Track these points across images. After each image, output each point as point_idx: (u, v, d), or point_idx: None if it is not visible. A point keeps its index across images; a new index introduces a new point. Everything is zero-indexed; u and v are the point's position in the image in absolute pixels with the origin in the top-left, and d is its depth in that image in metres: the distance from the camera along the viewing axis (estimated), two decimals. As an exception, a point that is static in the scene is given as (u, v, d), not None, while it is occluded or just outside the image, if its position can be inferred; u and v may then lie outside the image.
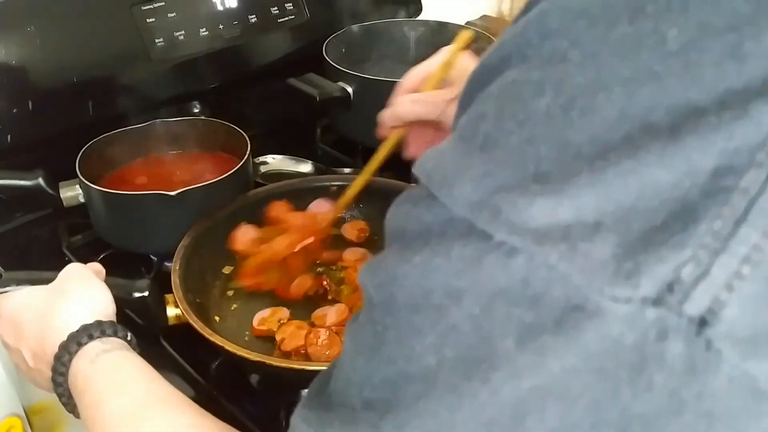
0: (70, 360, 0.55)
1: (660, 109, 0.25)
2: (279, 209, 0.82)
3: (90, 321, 0.57)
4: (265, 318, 0.74)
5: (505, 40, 0.29)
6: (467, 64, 0.71)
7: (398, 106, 0.72)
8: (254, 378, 0.73)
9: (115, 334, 0.57)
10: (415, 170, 0.31)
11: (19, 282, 0.64)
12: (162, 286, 0.70)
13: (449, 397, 0.28)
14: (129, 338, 0.58)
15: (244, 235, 0.79)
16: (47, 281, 0.64)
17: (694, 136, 0.24)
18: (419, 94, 0.72)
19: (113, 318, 0.60)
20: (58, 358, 0.56)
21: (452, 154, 0.30)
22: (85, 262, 0.86)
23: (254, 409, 0.69)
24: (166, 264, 0.84)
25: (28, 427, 1.28)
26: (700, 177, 0.24)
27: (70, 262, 0.87)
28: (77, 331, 0.56)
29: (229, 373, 0.73)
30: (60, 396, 0.57)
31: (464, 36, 0.72)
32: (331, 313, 0.74)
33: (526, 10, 0.29)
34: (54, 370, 0.56)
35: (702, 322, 0.24)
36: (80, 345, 0.55)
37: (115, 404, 0.51)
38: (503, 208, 0.27)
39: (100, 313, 0.59)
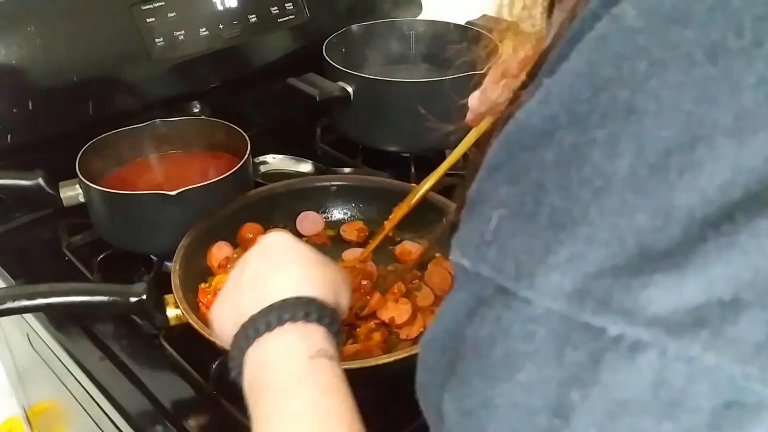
0: (260, 331, 0.44)
1: None
2: (251, 230, 0.83)
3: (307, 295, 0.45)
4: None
5: (547, 96, 0.25)
6: None
7: (488, 89, 0.60)
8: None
9: (319, 320, 0.45)
10: (470, 264, 0.26)
11: (15, 298, 0.64)
12: (162, 286, 0.70)
13: None
14: (336, 329, 0.46)
15: (219, 251, 0.80)
16: (42, 295, 0.63)
17: None
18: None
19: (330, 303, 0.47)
20: (247, 326, 0.45)
21: (515, 237, 0.25)
22: (85, 262, 0.88)
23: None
24: (166, 264, 0.84)
25: (28, 427, 1.28)
26: None
27: (70, 262, 0.88)
28: (280, 303, 0.44)
29: (229, 373, 0.72)
30: (231, 359, 0.46)
31: None
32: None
33: (561, 56, 0.26)
34: (242, 339, 0.45)
35: None
36: (282, 321, 0.44)
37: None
38: (613, 295, 0.23)
39: (321, 290, 0.47)
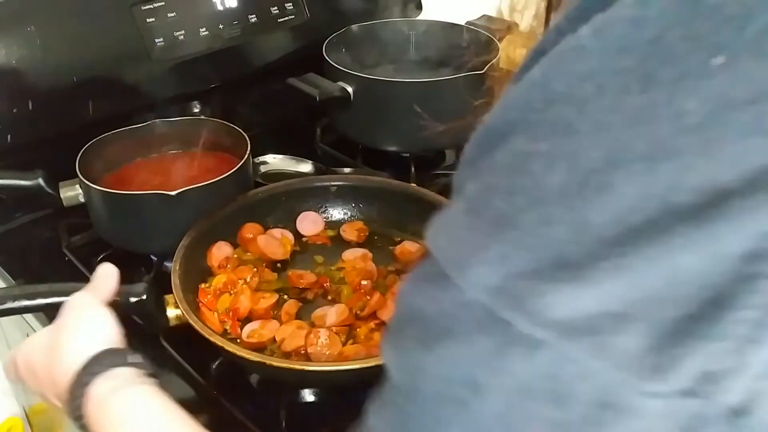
0: (81, 404, 0.51)
1: (683, 189, 0.23)
2: (251, 230, 0.83)
3: (93, 353, 0.53)
4: (254, 330, 0.73)
5: (508, 101, 0.27)
6: None
7: None
8: (254, 378, 0.73)
9: (124, 362, 0.53)
10: (428, 244, 0.29)
11: (16, 298, 0.64)
12: (162, 286, 0.70)
13: None
14: (138, 361, 0.54)
15: (219, 251, 0.80)
16: (42, 295, 0.63)
17: (722, 219, 0.22)
18: None
19: (119, 343, 0.56)
20: (69, 403, 0.52)
21: (463, 229, 0.28)
22: (85, 262, 0.87)
23: (254, 410, 0.69)
24: (166, 264, 0.84)
25: (28, 427, 1.28)
26: (730, 263, 0.22)
27: (70, 262, 0.88)
28: (80, 371, 0.52)
29: (229, 374, 0.73)
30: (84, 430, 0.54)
31: None
32: (330, 314, 0.74)
33: (527, 66, 0.27)
34: (71, 414, 0.53)
35: (739, 412, 0.24)
36: (85, 385, 0.52)
37: None
38: (525, 297, 0.25)
39: (104, 341, 0.55)
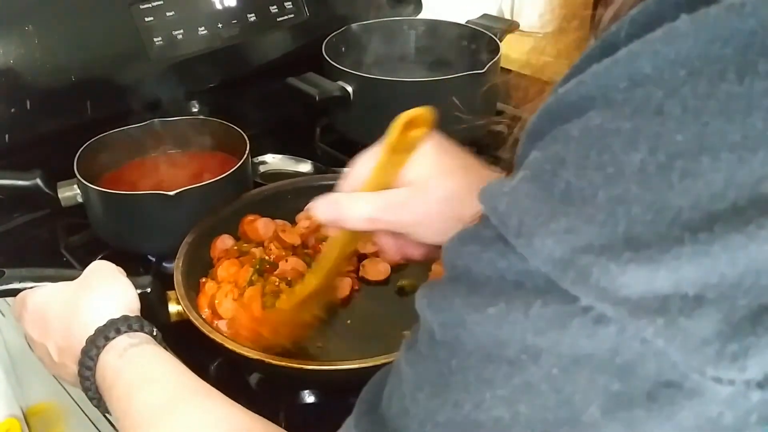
0: (98, 354, 0.56)
1: None
2: (252, 217, 0.82)
3: (117, 316, 0.58)
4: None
5: (586, 77, 0.27)
6: (423, 156, 0.55)
7: (348, 218, 0.54)
8: (253, 379, 0.73)
9: (141, 329, 0.58)
10: (484, 207, 0.29)
11: (22, 279, 0.65)
12: (161, 286, 0.70)
13: None
14: (155, 333, 0.59)
15: (222, 244, 0.80)
16: (50, 278, 0.64)
17: None
18: (370, 206, 0.54)
19: (138, 313, 0.61)
20: (85, 352, 0.56)
21: (527, 198, 0.28)
22: (83, 262, 0.87)
23: (253, 410, 0.68)
24: (164, 264, 0.84)
25: (26, 428, 1.27)
26: None
27: (68, 262, 0.88)
28: (105, 325, 0.57)
29: (228, 374, 0.72)
30: (86, 390, 0.57)
31: (403, 118, 0.53)
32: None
33: (608, 47, 0.27)
34: (81, 364, 0.56)
35: None
36: (108, 339, 0.56)
37: (146, 396, 0.52)
38: (593, 272, 0.25)
39: (126, 308, 0.59)
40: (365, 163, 0.56)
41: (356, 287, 0.78)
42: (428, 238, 0.55)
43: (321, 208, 0.54)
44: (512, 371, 0.28)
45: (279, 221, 0.83)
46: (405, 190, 0.54)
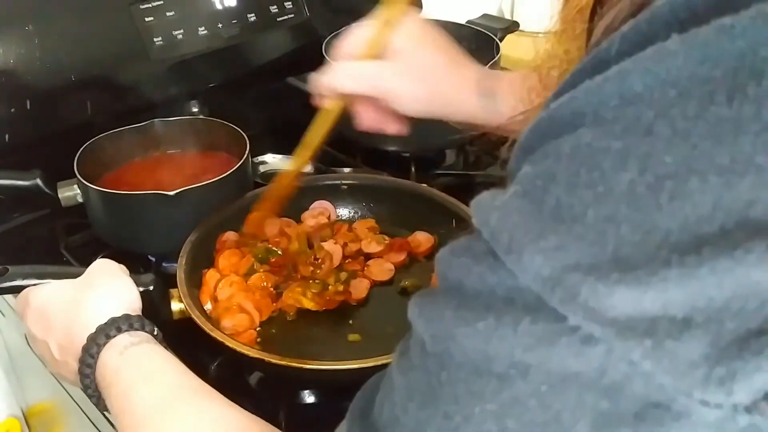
0: (99, 352, 0.56)
1: (761, 205, 0.23)
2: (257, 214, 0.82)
3: (118, 314, 0.58)
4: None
5: (578, 93, 0.27)
6: (410, 27, 0.66)
7: (335, 76, 0.65)
8: (253, 379, 0.73)
9: (142, 328, 0.58)
10: (476, 220, 0.29)
11: (25, 276, 0.65)
12: (163, 284, 0.70)
13: None
14: (156, 332, 0.59)
15: (227, 238, 0.80)
16: (53, 276, 0.64)
17: None
18: (356, 66, 0.66)
19: (140, 312, 0.61)
20: (86, 350, 0.56)
21: (518, 214, 0.28)
22: (83, 262, 0.87)
23: (253, 410, 0.68)
24: (164, 264, 0.84)
25: (26, 428, 1.27)
26: None
27: (68, 262, 0.88)
28: (106, 323, 0.57)
29: (228, 374, 0.72)
30: (86, 388, 0.57)
31: None
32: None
33: (599, 63, 0.27)
34: (82, 361, 0.56)
35: None
36: (109, 337, 0.56)
37: (144, 394, 0.52)
38: (581, 292, 0.25)
39: (128, 306, 0.60)
40: (359, 34, 0.67)
41: (370, 286, 0.78)
42: (404, 107, 0.66)
43: (320, 79, 0.65)
44: (501, 386, 0.28)
45: (284, 219, 0.83)
46: (388, 60, 0.65)
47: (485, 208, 0.29)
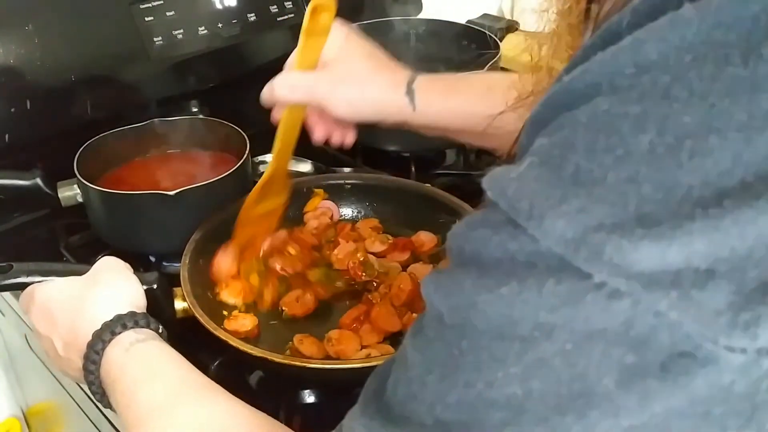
0: (104, 349, 0.56)
1: None
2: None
3: (123, 311, 0.58)
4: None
5: (592, 65, 0.28)
6: (337, 37, 0.71)
7: (274, 88, 0.71)
8: (253, 379, 0.73)
9: (147, 326, 0.59)
10: (491, 193, 0.30)
11: (29, 273, 0.65)
12: (167, 282, 0.70)
13: (539, 429, 0.28)
14: (161, 330, 0.60)
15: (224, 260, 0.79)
16: (57, 273, 0.64)
17: None
18: (292, 76, 0.72)
19: (144, 310, 0.61)
20: (91, 346, 0.56)
21: (537, 182, 0.28)
22: (83, 262, 0.86)
23: (254, 410, 0.68)
24: (164, 264, 0.84)
25: (26, 428, 1.27)
26: None
27: (68, 262, 0.88)
28: (111, 320, 0.57)
29: (228, 374, 0.72)
30: (90, 385, 0.58)
31: (311, 5, 0.67)
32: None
33: (610, 36, 0.28)
34: (86, 358, 0.57)
35: None
36: (114, 334, 0.56)
37: (149, 391, 0.52)
38: (606, 250, 0.26)
39: (132, 304, 0.60)
40: (295, 51, 0.71)
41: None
42: (338, 112, 0.71)
43: (264, 92, 0.71)
44: (525, 348, 0.28)
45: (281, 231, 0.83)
46: (320, 70, 0.71)
47: (501, 181, 0.30)
